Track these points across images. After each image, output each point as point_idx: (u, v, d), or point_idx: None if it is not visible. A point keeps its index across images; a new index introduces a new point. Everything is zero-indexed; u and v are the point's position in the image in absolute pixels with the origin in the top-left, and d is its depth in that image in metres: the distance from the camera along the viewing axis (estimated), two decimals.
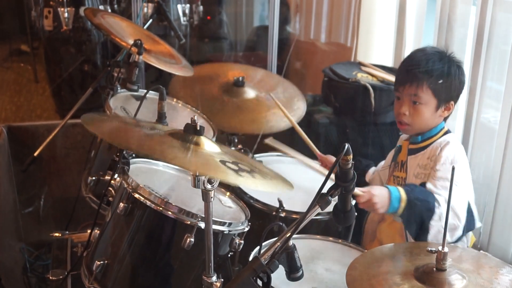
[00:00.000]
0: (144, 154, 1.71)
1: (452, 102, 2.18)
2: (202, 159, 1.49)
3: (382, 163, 2.53)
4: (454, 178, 1.97)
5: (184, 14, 4.19)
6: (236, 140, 2.83)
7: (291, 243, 1.47)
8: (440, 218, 2.02)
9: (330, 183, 1.50)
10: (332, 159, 2.52)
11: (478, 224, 2.20)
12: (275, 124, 2.82)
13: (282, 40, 4.03)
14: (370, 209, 2.04)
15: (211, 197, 1.55)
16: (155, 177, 2.04)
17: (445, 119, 2.24)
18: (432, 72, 2.14)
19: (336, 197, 1.51)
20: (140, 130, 1.66)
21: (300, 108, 2.95)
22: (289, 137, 2.78)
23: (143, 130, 1.69)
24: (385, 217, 2.37)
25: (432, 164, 2.13)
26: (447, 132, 2.21)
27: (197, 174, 1.48)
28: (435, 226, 2.02)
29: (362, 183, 2.51)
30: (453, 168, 1.48)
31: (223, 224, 1.82)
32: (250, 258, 1.86)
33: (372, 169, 2.53)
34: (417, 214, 2.01)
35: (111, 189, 2.02)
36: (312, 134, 2.80)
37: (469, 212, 2.11)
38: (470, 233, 2.27)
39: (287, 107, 2.75)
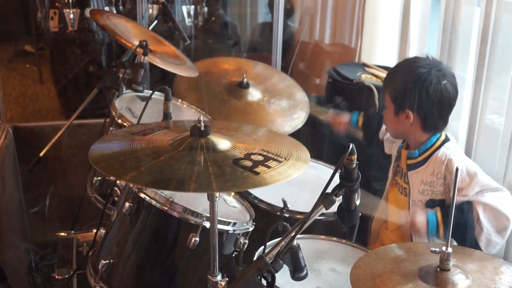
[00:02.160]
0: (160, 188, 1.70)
1: (409, 111, 2.15)
2: (216, 169, 1.46)
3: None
4: (491, 184, 2.07)
5: (189, 15, 4.19)
6: None
7: (296, 243, 1.48)
8: (489, 242, 2.07)
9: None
10: (343, 116, 2.56)
11: None
12: (277, 128, 2.83)
13: (286, 41, 4.04)
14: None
15: (217, 197, 1.56)
16: None
17: (433, 129, 2.19)
18: (391, 77, 2.26)
19: (341, 197, 1.52)
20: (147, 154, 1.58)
21: (302, 100, 2.98)
22: None
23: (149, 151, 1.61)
24: (388, 223, 2.37)
25: (440, 181, 2.14)
26: (446, 140, 2.20)
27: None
28: (484, 243, 2.07)
29: (375, 141, 2.53)
30: (457, 169, 1.49)
31: (228, 223, 1.83)
32: (255, 258, 1.86)
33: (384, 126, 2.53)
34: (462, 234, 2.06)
35: (116, 189, 2.03)
36: (317, 134, 2.81)
37: None
38: None
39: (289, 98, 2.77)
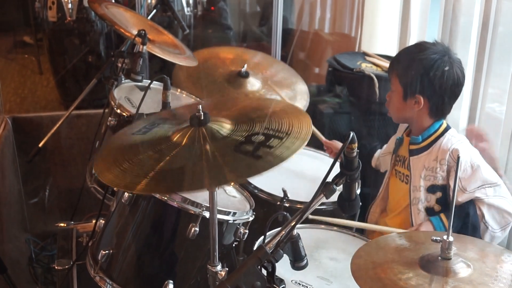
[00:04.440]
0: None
1: (420, 97, 2.12)
2: (220, 160, 1.43)
3: (384, 147, 2.52)
4: (490, 179, 2.08)
5: (188, 4, 4.18)
6: None
7: (296, 232, 1.47)
8: (492, 239, 2.10)
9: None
10: (338, 144, 2.52)
11: None
12: None
13: (286, 30, 4.02)
14: None
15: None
16: None
17: (438, 116, 2.18)
18: (401, 61, 2.21)
19: (341, 186, 1.51)
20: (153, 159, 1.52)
21: (302, 89, 2.97)
22: None
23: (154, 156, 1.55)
24: (387, 211, 2.37)
25: (443, 168, 2.12)
26: (447, 128, 2.18)
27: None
28: (487, 239, 2.10)
29: (368, 169, 2.51)
30: (458, 157, 1.48)
31: (227, 213, 1.83)
32: (255, 248, 1.86)
33: (377, 153, 2.53)
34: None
35: None
36: (317, 124, 2.80)
37: None
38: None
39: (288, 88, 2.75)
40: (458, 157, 1.45)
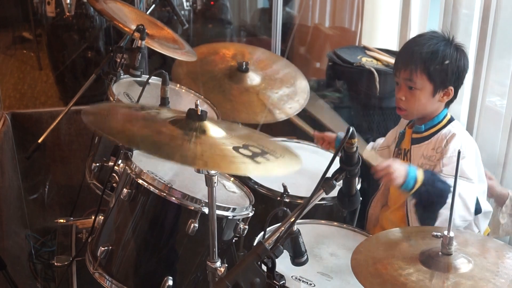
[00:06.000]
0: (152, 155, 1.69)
1: (451, 87, 2.11)
2: (218, 150, 1.44)
3: (380, 140, 2.50)
4: (467, 173, 2.00)
5: None
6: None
7: (296, 228, 1.46)
8: (442, 224, 2.01)
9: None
10: (331, 135, 2.49)
11: (488, 208, 2.17)
12: (276, 112, 2.80)
13: (286, 25, 4.00)
14: (386, 178, 2.00)
15: (215, 182, 1.54)
16: (159, 163, 2.03)
17: (448, 105, 2.18)
18: (426, 56, 2.10)
19: (341, 181, 1.50)
20: (142, 121, 1.60)
21: (302, 85, 2.96)
22: (289, 126, 2.78)
23: (146, 121, 1.63)
24: (388, 204, 2.36)
25: (438, 156, 2.10)
26: (451, 120, 2.17)
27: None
28: (444, 214, 1.99)
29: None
30: (459, 152, 1.46)
31: (227, 209, 1.82)
32: (255, 243, 1.85)
33: (370, 145, 2.51)
34: (429, 199, 1.99)
35: (114, 175, 2.02)
36: (316, 119, 2.78)
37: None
38: (485, 224, 2.24)
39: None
40: (459, 152, 1.44)
